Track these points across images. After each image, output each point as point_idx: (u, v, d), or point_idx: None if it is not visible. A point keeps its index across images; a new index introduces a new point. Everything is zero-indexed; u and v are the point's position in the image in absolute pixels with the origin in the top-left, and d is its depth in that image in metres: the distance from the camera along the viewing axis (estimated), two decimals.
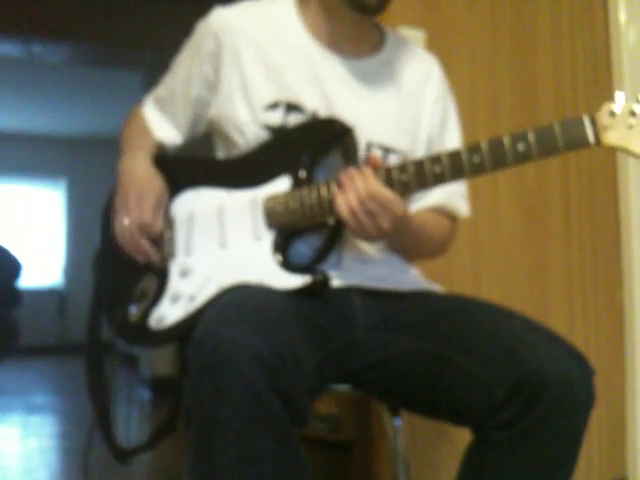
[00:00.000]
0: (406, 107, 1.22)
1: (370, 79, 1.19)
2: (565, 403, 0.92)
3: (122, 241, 1.15)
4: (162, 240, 1.16)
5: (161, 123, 1.26)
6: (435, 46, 1.76)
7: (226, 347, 0.82)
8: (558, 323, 1.88)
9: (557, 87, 2.00)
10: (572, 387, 0.92)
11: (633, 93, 0.90)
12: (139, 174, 1.17)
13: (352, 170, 1.02)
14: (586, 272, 2.00)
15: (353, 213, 0.99)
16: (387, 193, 0.99)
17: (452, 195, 1.24)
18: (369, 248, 1.16)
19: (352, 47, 1.19)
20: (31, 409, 3.86)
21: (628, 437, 1.99)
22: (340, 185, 1.02)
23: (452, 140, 1.26)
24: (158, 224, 1.15)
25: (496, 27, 1.92)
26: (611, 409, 1.97)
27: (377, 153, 1.16)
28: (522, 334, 0.98)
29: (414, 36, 1.74)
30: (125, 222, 1.14)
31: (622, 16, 2.06)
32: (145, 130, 1.27)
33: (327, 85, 1.15)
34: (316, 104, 1.14)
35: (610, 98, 0.91)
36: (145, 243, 1.14)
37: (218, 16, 1.19)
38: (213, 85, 1.19)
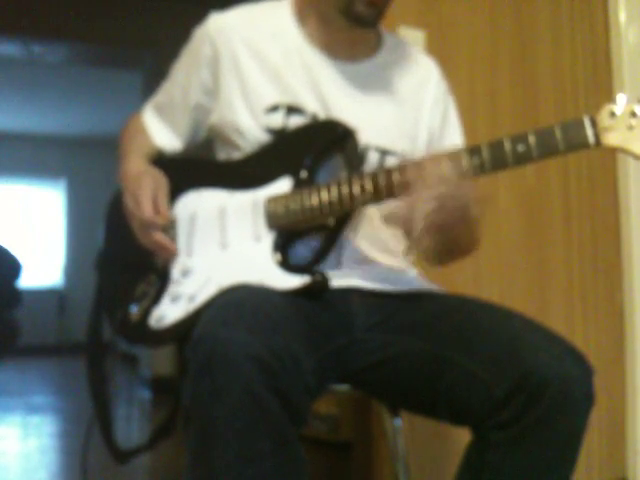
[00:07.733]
0: (404, 109, 1.21)
1: (366, 82, 1.19)
2: (565, 403, 0.91)
3: (144, 244, 1.14)
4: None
5: (161, 130, 1.26)
6: (435, 46, 1.76)
7: (224, 347, 0.82)
8: (558, 323, 1.88)
9: (557, 87, 2.00)
10: (572, 387, 0.92)
11: (633, 93, 0.90)
12: (130, 176, 1.17)
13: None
14: (586, 272, 2.00)
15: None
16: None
17: None
18: (369, 249, 1.16)
19: (347, 51, 1.19)
20: (31, 409, 3.86)
21: (628, 437, 1.99)
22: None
23: (454, 141, 1.25)
24: (163, 214, 1.11)
25: (496, 27, 1.92)
26: (611, 409, 1.97)
27: (374, 156, 1.15)
28: (522, 334, 0.98)
29: (414, 36, 1.74)
30: (135, 226, 1.14)
31: (622, 16, 2.06)
32: (140, 134, 1.27)
33: (323, 89, 1.15)
34: (315, 107, 1.14)
35: (610, 98, 0.91)
36: (159, 237, 1.11)
37: (214, 21, 1.19)
38: (212, 91, 1.19)
